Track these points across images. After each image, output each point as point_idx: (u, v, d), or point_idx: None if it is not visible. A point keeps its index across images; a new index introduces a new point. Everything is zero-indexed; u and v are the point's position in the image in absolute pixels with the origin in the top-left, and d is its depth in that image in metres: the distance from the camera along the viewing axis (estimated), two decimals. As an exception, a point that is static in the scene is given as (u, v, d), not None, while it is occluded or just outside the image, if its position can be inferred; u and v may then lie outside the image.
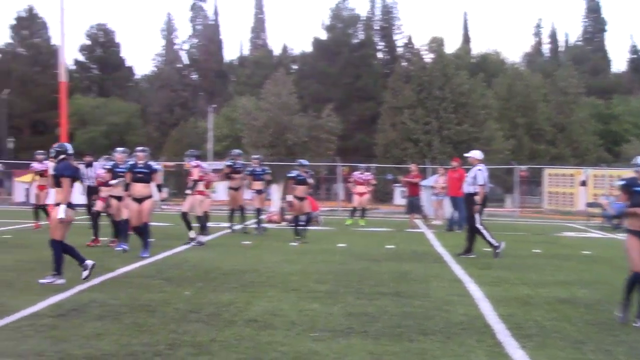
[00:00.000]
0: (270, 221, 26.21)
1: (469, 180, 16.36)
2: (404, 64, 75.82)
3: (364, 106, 75.34)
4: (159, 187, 15.64)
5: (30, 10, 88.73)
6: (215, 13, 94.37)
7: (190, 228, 17.52)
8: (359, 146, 71.00)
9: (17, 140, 69.13)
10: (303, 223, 19.17)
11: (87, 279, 10.73)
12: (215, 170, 25.91)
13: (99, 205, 16.84)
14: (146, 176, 14.79)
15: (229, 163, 21.63)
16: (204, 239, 17.41)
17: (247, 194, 22.18)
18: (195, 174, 17.81)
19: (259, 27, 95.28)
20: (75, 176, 11.19)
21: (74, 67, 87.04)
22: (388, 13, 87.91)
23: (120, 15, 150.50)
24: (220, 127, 71.29)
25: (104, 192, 16.60)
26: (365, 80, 76.38)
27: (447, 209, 24.93)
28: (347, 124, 68.39)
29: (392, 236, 21.86)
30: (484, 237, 15.99)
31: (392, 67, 76.09)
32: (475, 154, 17.00)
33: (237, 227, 21.24)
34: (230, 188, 21.65)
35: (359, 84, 76.22)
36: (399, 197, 58.88)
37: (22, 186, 36.07)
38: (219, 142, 70.35)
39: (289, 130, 57.40)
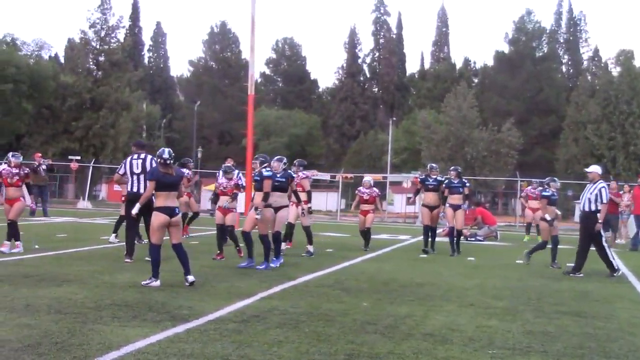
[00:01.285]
0: (446, 235, 26.09)
1: (591, 197, 15.33)
2: (589, 77, 73.54)
3: (545, 120, 73.76)
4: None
5: (223, 25, 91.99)
6: (399, 26, 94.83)
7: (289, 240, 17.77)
8: (540, 161, 69.51)
9: (205, 149, 71.86)
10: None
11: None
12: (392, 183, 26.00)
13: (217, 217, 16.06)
14: (283, 185, 14.36)
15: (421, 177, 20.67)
16: (311, 249, 17.21)
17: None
18: (307, 186, 17.30)
19: (441, 40, 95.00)
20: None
21: (260, 80, 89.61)
22: (574, 25, 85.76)
23: (305, 29, 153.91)
24: (399, 139, 71.53)
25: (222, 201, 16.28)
26: (548, 93, 74.73)
27: (632, 228, 23.98)
28: (528, 138, 67.13)
29: (572, 253, 21.25)
30: (605, 257, 15.36)
31: (576, 80, 74.05)
32: (597, 169, 15.97)
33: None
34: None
35: (540, 97, 74.67)
36: (578, 213, 57.26)
37: (208, 194, 37.42)
38: (398, 155, 70.63)
39: (468, 143, 56.93)
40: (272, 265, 14.02)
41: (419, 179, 20.44)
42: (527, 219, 26.79)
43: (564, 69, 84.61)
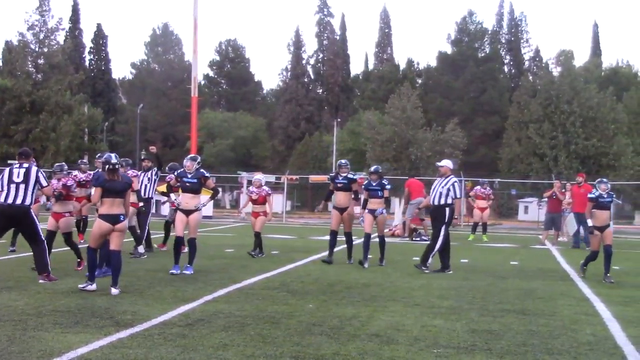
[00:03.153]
0: (393, 235, 26.25)
1: (443, 191, 15.17)
2: (531, 77, 74.60)
3: (489, 120, 74.69)
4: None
5: (165, 27, 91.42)
6: (342, 28, 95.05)
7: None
8: (484, 161, 70.31)
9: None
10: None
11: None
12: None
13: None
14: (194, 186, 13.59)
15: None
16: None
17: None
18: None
19: (384, 41, 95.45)
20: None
21: (203, 82, 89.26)
22: (516, 26, 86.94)
23: (249, 31, 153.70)
24: (344, 141, 71.78)
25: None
26: (491, 94, 75.66)
27: (572, 225, 24.32)
28: (472, 138, 67.84)
29: (516, 252, 21.54)
30: (430, 250, 15.30)
31: (518, 80, 75.06)
32: (448, 163, 15.87)
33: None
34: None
35: (484, 98, 75.56)
36: (523, 212, 58.02)
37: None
38: (343, 156, 70.79)
39: (412, 144, 57.36)
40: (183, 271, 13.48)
41: (328, 178, 18.86)
42: (474, 218, 27.01)
43: (506, 69, 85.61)
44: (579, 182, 24.07)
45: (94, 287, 10.88)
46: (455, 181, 15.40)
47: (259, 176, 18.30)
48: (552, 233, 24.84)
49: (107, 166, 11.16)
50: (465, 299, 11.21)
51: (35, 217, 12.38)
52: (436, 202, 15.29)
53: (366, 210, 16.35)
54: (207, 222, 35.54)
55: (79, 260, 13.55)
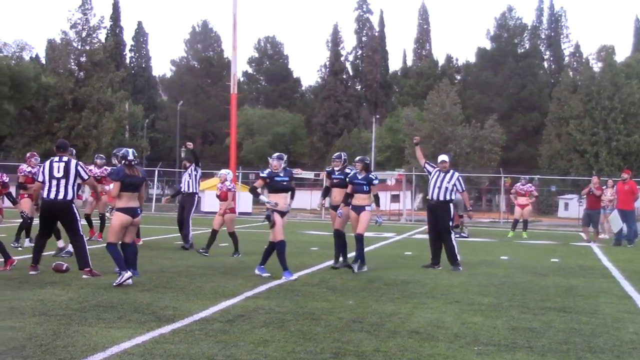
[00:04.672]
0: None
1: (449, 187, 14.91)
2: (571, 73, 73.91)
3: (528, 117, 74.14)
4: None
5: (204, 24, 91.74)
6: (381, 24, 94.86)
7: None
8: (523, 157, 69.89)
9: (187, 150, 71.62)
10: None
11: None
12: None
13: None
14: (288, 184, 13.12)
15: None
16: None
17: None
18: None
19: (423, 38, 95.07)
20: None
21: (242, 79, 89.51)
22: (556, 21, 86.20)
23: (288, 28, 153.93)
24: (383, 137, 71.65)
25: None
26: (530, 90, 75.07)
27: (615, 223, 24.06)
28: (511, 134, 67.46)
29: (556, 249, 21.39)
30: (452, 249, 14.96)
31: (559, 76, 74.42)
32: (447, 157, 15.65)
33: None
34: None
35: (523, 94, 74.99)
36: (563, 209, 57.58)
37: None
38: (382, 153, 70.71)
39: (451, 140, 57.13)
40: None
41: (326, 172, 15.84)
42: (515, 215, 26.88)
43: (545, 65, 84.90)
44: (624, 178, 23.75)
45: (128, 274, 11.06)
46: (459, 175, 15.30)
47: (224, 171, 17.27)
48: (592, 230, 24.60)
49: (123, 161, 11.53)
50: (505, 296, 11.16)
51: (77, 212, 12.55)
52: (442, 198, 14.97)
53: (350, 207, 14.18)
54: (246, 218, 35.74)
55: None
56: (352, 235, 14.17)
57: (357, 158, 14.65)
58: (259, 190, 12.95)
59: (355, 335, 8.00)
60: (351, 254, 14.38)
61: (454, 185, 15.03)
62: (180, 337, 7.66)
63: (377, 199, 14.32)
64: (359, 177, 14.04)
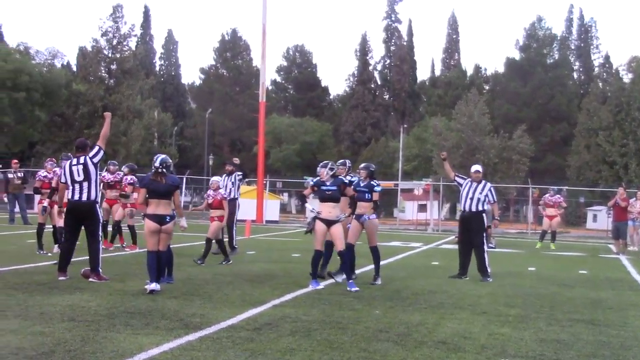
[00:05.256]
0: (458, 242, 26.14)
1: (481, 197, 14.90)
2: (601, 84, 73.47)
3: (557, 127, 73.76)
4: None
5: (233, 32, 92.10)
6: (409, 34, 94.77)
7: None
8: (551, 168, 69.46)
9: (216, 157, 72.05)
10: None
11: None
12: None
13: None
14: (334, 194, 12.80)
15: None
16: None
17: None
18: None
19: (452, 47, 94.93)
20: None
21: (271, 87, 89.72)
22: (585, 32, 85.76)
23: (316, 37, 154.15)
24: (410, 147, 71.53)
25: None
26: (559, 100, 74.68)
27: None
28: (539, 145, 67.08)
29: (584, 261, 21.26)
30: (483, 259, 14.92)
31: (588, 87, 74.02)
32: (480, 168, 15.68)
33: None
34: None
35: (552, 104, 74.61)
36: (591, 220, 57.16)
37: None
38: (409, 162, 70.60)
39: (479, 151, 56.89)
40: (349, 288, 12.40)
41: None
42: (543, 226, 26.74)
43: (575, 75, 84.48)
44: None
45: (151, 286, 11.11)
46: (492, 186, 15.29)
47: (216, 178, 17.09)
48: (621, 242, 24.42)
49: (154, 169, 11.62)
50: (532, 308, 11.11)
51: (100, 214, 12.69)
52: (474, 209, 14.96)
53: (354, 216, 13.56)
54: (273, 226, 35.82)
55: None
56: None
57: (362, 165, 13.91)
58: (307, 197, 13.06)
59: (381, 345, 7.99)
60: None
61: (486, 196, 15.01)
62: (207, 344, 7.69)
63: (376, 204, 13.35)
64: (361, 185, 13.41)
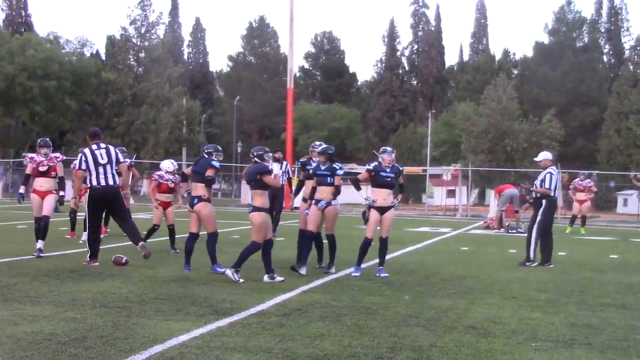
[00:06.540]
0: (487, 227, 26.11)
1: (538, 183, 15.01)
2: (631, 67, 72.70)
3: (587, 111, 73.11)
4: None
5: (261, 19, 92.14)
6: (437, 19, 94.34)
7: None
8: (581, 153, 68.91)
9: (245, 144, 72.20)
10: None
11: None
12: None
13: None
14: (392, 181, 12.64)
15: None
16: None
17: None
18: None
19: (480, 32, 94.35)
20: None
21: (299, 74, 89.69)
22: (615, 15, 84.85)
23: (344, 23, 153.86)
24: (438, 132, 71.23)
25: None
26: (589, 84, 74.01)
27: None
28: (569, 129, 66.47)
29: (615, 245, 21.10)
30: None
31: (618, 70, 73.27)
32: (548, 155, 15.58)
33: None
34: None
35: (582, 88, 73.95)
36: (622, 205, 56.69)
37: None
38: (437, 148, 70.31)
39: (508, 135, 56.46)
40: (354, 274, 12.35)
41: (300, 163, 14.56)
42: (573, 211, 26.56)
43: (605, 59, 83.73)
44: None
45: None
46: (549, 172, 15.06)
47: (167, 162, 15.94)
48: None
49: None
50: (563, 293, 11.05)
51: (123, 197, 12.83)
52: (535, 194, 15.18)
53: (314, 202, 12.67)
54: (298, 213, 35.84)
55: None
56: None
57: (320, 148, 13.12)
58: (360, 183, 12.68)
59: (411, 330, 7.99)
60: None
61: (542, 180, 14.96)
62: (237, 330, 7.73)
63: (337, 189, 12.53)
64: (322, 168, 12.65)
